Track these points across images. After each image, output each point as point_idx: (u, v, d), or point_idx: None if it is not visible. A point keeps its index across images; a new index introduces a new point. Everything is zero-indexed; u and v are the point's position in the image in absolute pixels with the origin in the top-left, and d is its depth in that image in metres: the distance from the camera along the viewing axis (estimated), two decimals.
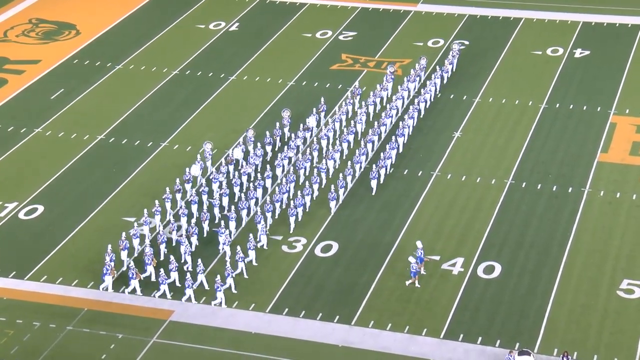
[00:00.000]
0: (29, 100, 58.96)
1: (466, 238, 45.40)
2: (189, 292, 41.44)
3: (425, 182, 49.69)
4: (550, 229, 45.96)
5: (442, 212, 47.32)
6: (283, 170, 49.96)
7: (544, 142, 52.98)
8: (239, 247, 43.07)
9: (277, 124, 52.82)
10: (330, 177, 49.32)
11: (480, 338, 39.55)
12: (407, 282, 42.18)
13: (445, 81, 58.31)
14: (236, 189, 48.10)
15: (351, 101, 55.47)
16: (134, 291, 42.11)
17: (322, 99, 54.75)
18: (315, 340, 39.64)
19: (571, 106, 56.31)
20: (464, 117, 55.54)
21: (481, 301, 41.52)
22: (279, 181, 48.98)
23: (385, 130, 53.12)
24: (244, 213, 46.28)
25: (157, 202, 46.74)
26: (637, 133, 53.55)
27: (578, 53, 62.56)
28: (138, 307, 41.67)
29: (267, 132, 51.97)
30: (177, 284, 42.40)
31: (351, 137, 52.31)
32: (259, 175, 48.33)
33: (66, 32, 67.83)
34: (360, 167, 49.94)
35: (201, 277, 42.10)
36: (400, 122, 52.79)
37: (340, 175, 48.26)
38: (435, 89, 57.21)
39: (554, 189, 48.96)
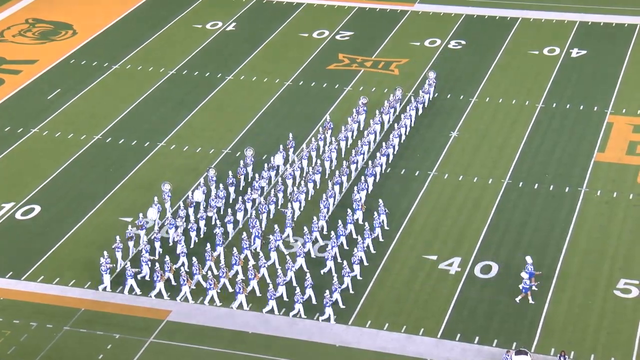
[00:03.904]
0: (25, 100, 58.90)
1: (463, 238, 45.41)
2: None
3: (423, 182, 49.69)
4: (548, 228, 45.98)
5: (439, 211, 47.31)
6: (245, 215, 46.24)
7: (541, 141, 53.01)
8: (345, 262, 42.29)
9: (241, 162, 49.32)
10: (295, 220, 45.62)
11: (477, 337, 39.56)
12: (517, 298, 41.05)
13: (420, 112, 54.52)
14: (192, 234, 44.58)
15: (322, 136, 51.26)
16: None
17: (291, 135, 51.17)
18: (313, 340, 39.63)
19: (568, 106, 56.35)
20: (461, 116, 55.55)
21: (478, 301, 41.53)
22: (240, 226, 45.70)
23: (357, 169, 49.26)
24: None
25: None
26: (634, 132, 53.60)
27: (575, 53, 62.62)
28: (135, 307, 41.63)
29: (230, 172, 48.34)
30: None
31: (317, 177, 48.20)
32: (217, 222, 44.59)
33: (63, 32, 67.78)
34: (328, 211, 46.19)
35: (309, 291, 41.03)
36: (370, 162, 48.92)
37: (314, 218, 44.65)
38: (411, 121, 53.29)
39: (551, 188, 49.00)
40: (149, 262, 42.79)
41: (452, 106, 56.60)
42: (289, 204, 46.36)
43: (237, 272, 42.57)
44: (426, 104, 55.59)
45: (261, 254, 43.04)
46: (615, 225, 46.12)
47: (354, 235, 44.65)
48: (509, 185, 49.34)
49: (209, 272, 41.84)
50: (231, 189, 47.84)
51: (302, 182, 47.88)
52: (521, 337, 39.44)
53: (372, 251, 43.99)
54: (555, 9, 68.14)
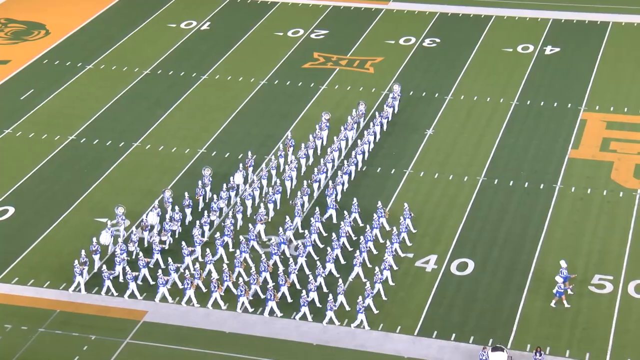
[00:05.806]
0: None
1: (439, 235, 45.53)
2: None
3: (398, 180, 49.78)
4: (523, 225, 46.20)
5: (415, 209, 47.34)
6: (203, 235, 44.18)
7: (515, 139, 53.25)
8: (377, 268, 41.94)
9: (199, 182, 47.36)
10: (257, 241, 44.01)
11: (454, 334, 39.68)
12: (553, 303, 40.71)
13: (385, 128, 53.02)
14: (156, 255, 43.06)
15: (282, 153, 49.65)
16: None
17: (249, 152, 49.68)
18: (291, 339, 39.60)
19: (542, 103, 56.65)
20: (436, 114, 55.69)
21: (455, 298, 41.66)
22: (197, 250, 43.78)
23: (319, 188, 47.77)
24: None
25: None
26: (607, 129, 53.96)
27: (548, 50, 62.96)
28: (111, 308, 41.43)
29: (187, 194, 46.52)
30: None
31: (278, 197, 46.38)
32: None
33: (36, 32, 67.32)
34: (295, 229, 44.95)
35: (341, 298, 40.71)
36: (330, 182, 47.23)
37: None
38: (375, 137, 51.56)
39: (526, 185, 49.24)
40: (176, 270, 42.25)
41: (427, 104, 56.74)
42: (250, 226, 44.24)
43: (265, 279, 42.10)
44: (390, 118, 54.20)
45: (291, 259, 42.86)
46: (589, 221, 46.41)
47: (381, 240, 44.44)
48: (484, 182, 49.53)
49: (240, 279, 41.38)
50: (188, 211, 45.97)
51: (262, 204, 46.33)
52: (497, 334, 39.60)
53: (403, 257, 43.63)
54: (529, 6, 68.50)
